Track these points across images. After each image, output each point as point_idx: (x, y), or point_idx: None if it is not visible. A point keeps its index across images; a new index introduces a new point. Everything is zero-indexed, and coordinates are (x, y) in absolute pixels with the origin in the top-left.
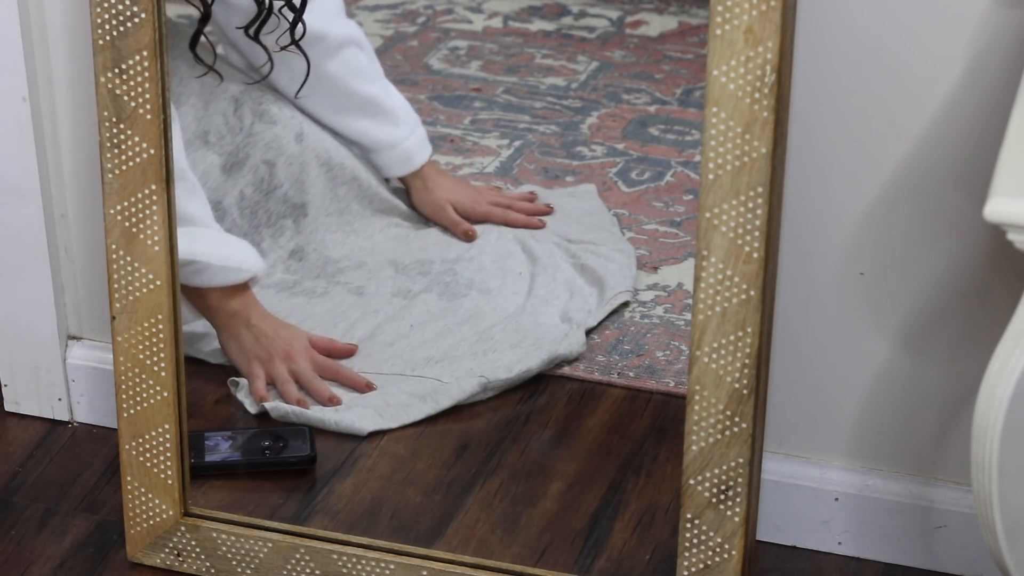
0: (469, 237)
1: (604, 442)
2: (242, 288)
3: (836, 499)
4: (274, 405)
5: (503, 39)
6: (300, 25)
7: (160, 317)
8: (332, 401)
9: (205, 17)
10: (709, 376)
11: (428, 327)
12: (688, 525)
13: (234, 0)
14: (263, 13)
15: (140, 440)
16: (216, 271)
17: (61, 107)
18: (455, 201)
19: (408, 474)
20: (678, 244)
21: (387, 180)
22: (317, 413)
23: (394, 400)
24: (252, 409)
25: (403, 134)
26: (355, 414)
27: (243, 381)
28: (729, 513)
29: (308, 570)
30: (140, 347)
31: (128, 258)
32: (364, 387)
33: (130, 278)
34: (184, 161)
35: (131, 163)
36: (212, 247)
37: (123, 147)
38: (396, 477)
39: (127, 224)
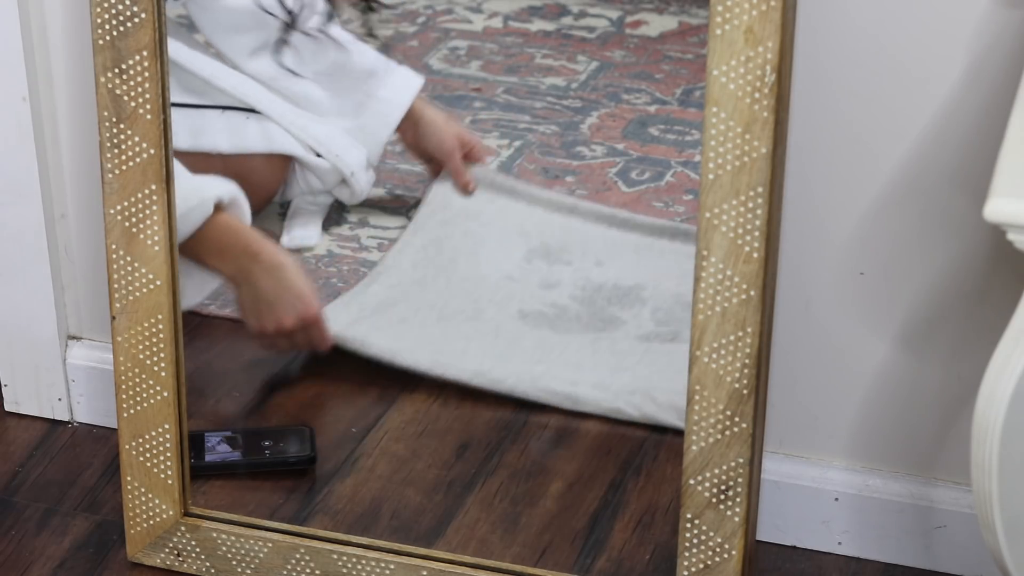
0: (469, 192)
1: (604, 442)
2: (227, 226)
3: (836, 499)
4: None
5: (503, 39)
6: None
7: (160, 317)
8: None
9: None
10: (709, 376)
11: None
12: (688, 525)
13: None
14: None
15: (140, 440)
16: (181, 219)
17: (61, 107)
18: (458, 134)
19: (408, 474)
20: None
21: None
22: (383, 340)
23: (450, 341)
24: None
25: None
26: (414, 347)
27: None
28: (729, 513)
29: (308, 570)
30: (140, 347)
31: (128, 258)
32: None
33: (130, 278)
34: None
35: (131, 163)
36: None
37: (123, 147)
38: (396, 477)
39: (127, 224)
